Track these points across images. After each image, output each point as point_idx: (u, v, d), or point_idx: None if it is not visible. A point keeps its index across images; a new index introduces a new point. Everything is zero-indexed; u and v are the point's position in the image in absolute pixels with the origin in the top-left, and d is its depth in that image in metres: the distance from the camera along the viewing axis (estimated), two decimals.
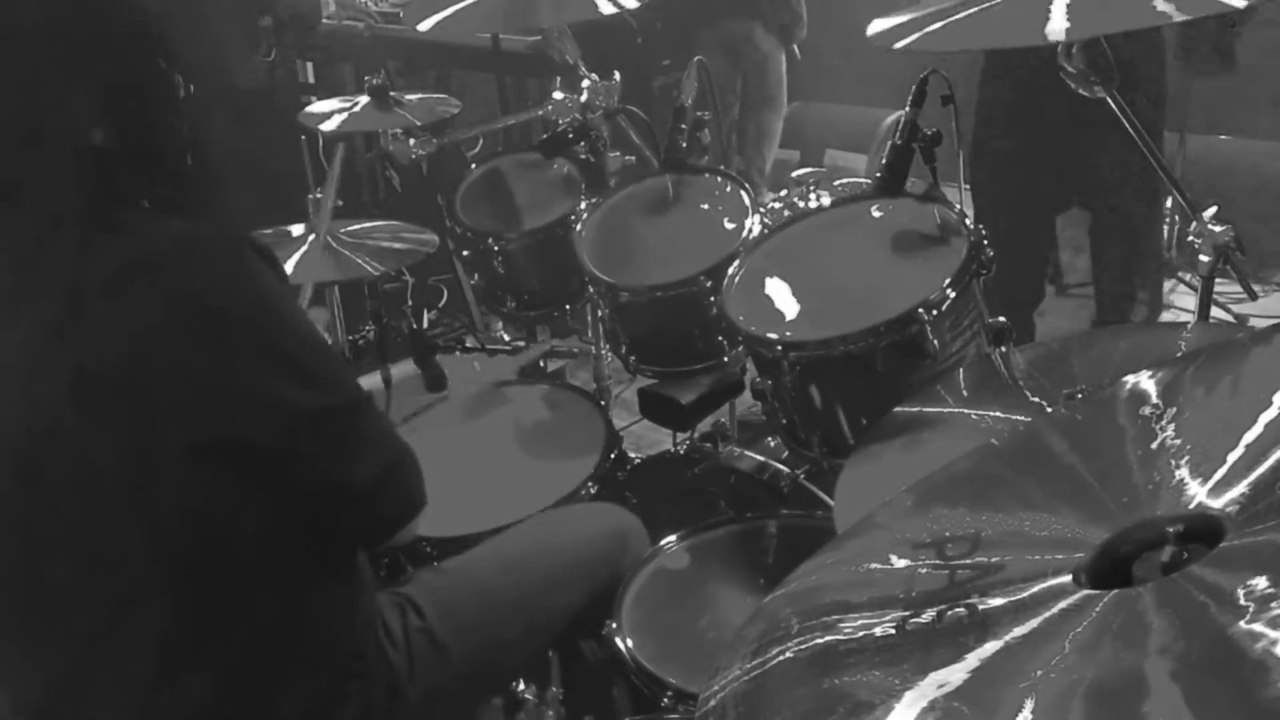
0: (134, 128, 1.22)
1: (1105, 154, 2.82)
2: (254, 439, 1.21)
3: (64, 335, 1.15)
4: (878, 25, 1.54)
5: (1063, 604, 0.67)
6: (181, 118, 1.27)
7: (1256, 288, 1.59)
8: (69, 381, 1.15)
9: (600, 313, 2.30)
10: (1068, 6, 1.34)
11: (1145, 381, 0.89)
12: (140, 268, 1.17)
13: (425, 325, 3.07)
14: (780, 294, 1.80)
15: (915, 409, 1.51)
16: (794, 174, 2.03)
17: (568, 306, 2.50)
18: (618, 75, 2.48)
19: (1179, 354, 1.35)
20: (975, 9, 1.44)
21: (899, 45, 1.43)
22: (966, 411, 1.44)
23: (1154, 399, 0.85)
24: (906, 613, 0.73)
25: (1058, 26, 1.32)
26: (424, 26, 2.32)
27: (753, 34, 4.24)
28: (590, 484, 1.97)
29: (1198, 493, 0.72)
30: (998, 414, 1.40)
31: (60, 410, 1.15)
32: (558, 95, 2.52)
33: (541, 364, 2.81)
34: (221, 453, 1.19)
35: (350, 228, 2.46)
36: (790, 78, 4.38)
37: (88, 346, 1.15)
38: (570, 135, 2.40)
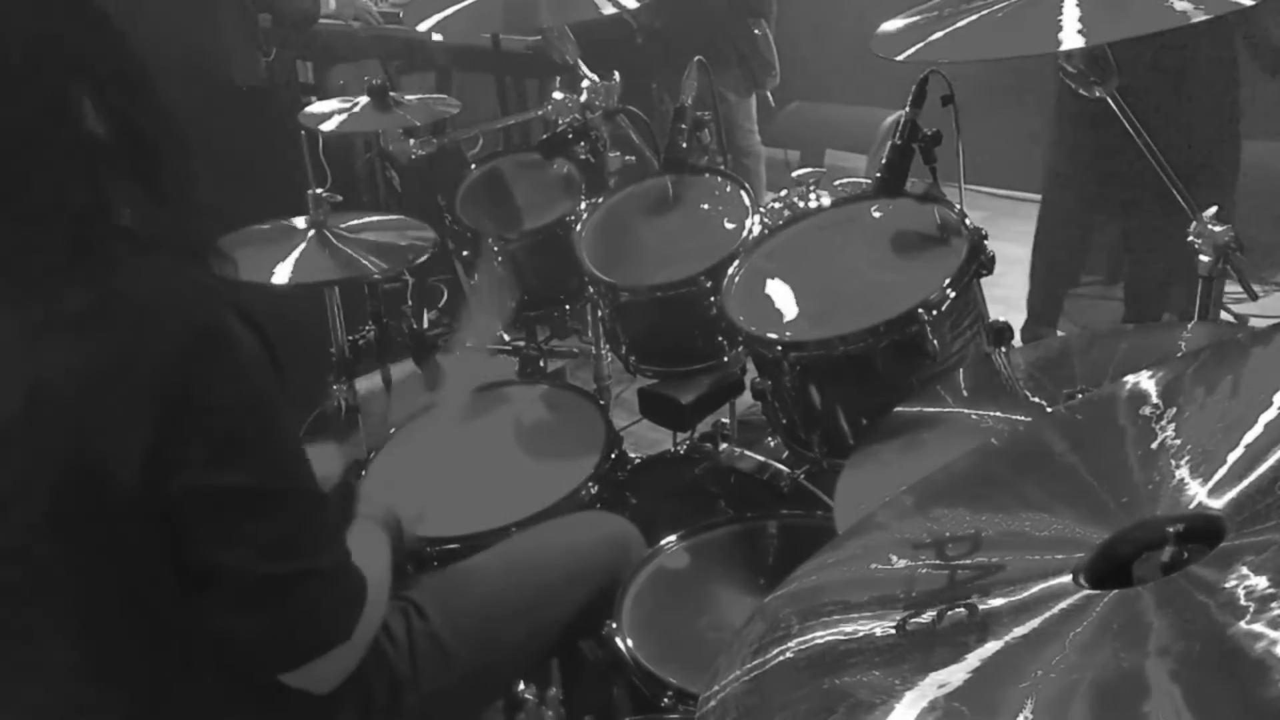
0: (124, 120, 1.21)
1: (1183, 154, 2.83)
2: (168, 507, 1.17)
3: (27, 350, 1.15)
4: (881, 33, 1.51)
5: (1063, 604, 0.67)
6: (166, 113, 1.25)
7: (1256, 288, 1.59)
8: (23, 394, 1.14)
9: (600, 313, 2.30)
10: (1079, 12, 1.28)
11: (1145, 381, 0.89)
12: (110, 308, 1.15)
13: (425, 325, 3.08)
14: (780, 294, 1.80)
15: (915, 409, 1.51)
16: (794, 174, 2.03)
17: (568, 306, 2.50)
18: (617, 75, 2.48)
19: (1179, 354, 1.35)
20: (980, 14, 1.39)
21: (901, 57, 1.40)
22: (966, 411, 1.44)
23: (1154, 399, 0.85)
24: (906, 613, 0.74)
25: (1071, 34, 1.26)
26: (424, 26, 2.32)
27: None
28: (590, 484, 1.96)
29: (1198, 493, 0.72)
30: (998, 414, 1.40)
31: (10, 420, 1.15)
32: (558, 95, 2.52)
33: (542, 364, 2.81)
34: (140, 510, 1.16)
35: (351, 223, 2.46)
36: (790, 78, 4.36)
37: (45, 367, 1.14)
38: (570, 135, 2.40)
